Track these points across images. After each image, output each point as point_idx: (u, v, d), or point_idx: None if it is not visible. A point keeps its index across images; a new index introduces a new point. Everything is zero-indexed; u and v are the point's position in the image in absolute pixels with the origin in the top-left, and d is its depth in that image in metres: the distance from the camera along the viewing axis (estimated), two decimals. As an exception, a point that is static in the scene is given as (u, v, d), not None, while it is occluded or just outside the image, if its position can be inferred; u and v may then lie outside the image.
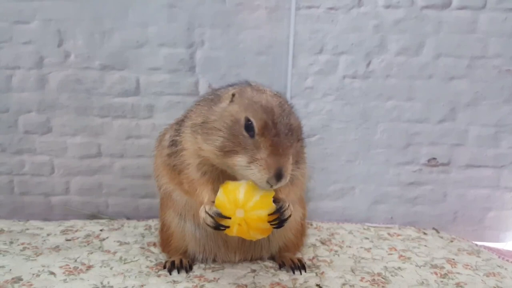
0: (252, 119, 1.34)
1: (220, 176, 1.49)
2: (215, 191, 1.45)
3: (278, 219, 1.41)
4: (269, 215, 1.39)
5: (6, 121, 2.43)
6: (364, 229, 2.39)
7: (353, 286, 1.62)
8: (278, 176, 1.28)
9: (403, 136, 2.50)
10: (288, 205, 1.44)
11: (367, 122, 2.49)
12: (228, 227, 1.41)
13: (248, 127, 1.34)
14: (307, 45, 2.40)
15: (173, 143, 1.61)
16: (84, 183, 2.53)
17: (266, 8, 2.35)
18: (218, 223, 1.41)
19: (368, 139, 2.51)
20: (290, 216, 1.45)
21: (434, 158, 2.53)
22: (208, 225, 1.43)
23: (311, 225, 2.39)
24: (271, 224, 1.41)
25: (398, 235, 2.30)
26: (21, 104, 2.41)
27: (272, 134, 1.32)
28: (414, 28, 2.38)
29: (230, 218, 1.39)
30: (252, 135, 1.34)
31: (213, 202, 1.42)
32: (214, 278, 1.65)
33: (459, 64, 2.41)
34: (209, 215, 1.42)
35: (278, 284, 1.63)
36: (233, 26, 2.37)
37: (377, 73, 2.43)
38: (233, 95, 1.47)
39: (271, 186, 1.32)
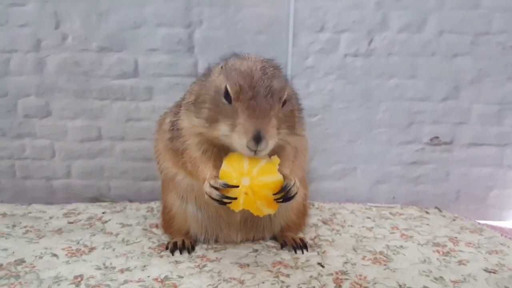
0: (229, 85, 1.34)
1: (222, 153, 1.48)
2: (217, 168, 1.43)
3: (285, 196, 1.40)
4: (274, 194, 1.38)
5: (5, 105, 2.41)
6: (366, 208, 2.38)
7: (355, 264, 1.62)
8: (257, 138, 1.26)
9: (406, 115, 2.48)
10: (294, 182, 1.42)
11: (369, 101, 2.46)
12: (235, 198, 1.38)
13: (227, 94, 1.35)
14: (308, 23, 2.35)
15: (173, 127, 1.61)
16: (85, 166, 2.52)
17: (265, -15, 2.31)
18: (224, 195, 1.38)
19: (370, 118, 2.49)
20: (297, 193, 1.43)
21: (437, 137, 2.51)
22: (214, 199, 1.40)
23: (313, 205, 2.39)
24: (277, 201, 1.40)
25: (400, 214, 2.29)
26: (19, 88, 2.39)
27: (248, 98, 1.31)
28: (416, 4, 2.33)
29: (236, 187, 1.36)
30: (230, 102, 1.35)
31: (217, 176, 1.41)
32: (216, 258, 1.66)
33: (463, 41, 2.37)
34: (214, 188, 1.39)
35: (280, 263, 1.63)
36: (232, 4, 2.32)
37: (379, 51, 2.39)
38: (221, 67, 1.47)
39: (255, 152, 1.29)
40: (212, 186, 1.40)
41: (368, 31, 2.37)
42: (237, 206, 1.40)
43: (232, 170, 1.37)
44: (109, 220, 2.08)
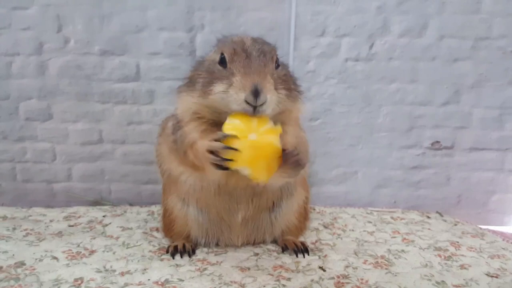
0: (223, 52, 1.42)
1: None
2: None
3: (295, 160, 1.38)
4: (285, 152, 1.35)
5: (7, 108, 2.42)
6: (367, 213, 2.38)
7: (356, 268, 1.62)
8: (255, 92, 1.28)
9: (406, 119, 2.48)
10: (297, 152, 1.39)
11: (370, 106, 2.47)
12: (236, 150, 1.30)
13: (221, 60, 1.42)
14: (309, 27, 2.36)
15: (176, 127, 1.60)
16: (86, 169, 2.52)
17: (267, -10, 2.32)
18: (227, 146, 1.30)
19: (371, 122, 2.49)
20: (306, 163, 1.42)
21: (438, 141, 2.51)
22: (216, 150, 1.32)
23: (314, 209, 2.39)
24: (286, 164, 1.37)
25: (402, 218, 2.29)
26: (21, 91, 2.40)
27: (243, 58, 1.38)
28: (417, 9, 2.34)
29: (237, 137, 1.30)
30: (225, 66, 1.41)
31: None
32: (217, 262, 1.65)
33: (463, 46, 2.38)
34: (215, 140, 1.33)
35: (281, 267, 1.62)
36: (234, 8, 2.33)
37: (380, 55, 2.40)
38: (214, 51, 1.54)
39: (254, 109, 1.30)
40: (213, 139, 1.34)
41: (369, 36, 2.38)
42: (238, 163, 1.32)
43: (241, 122, 1.33)
44: (110, 223, 2.08)
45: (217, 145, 1.32)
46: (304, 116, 1.65)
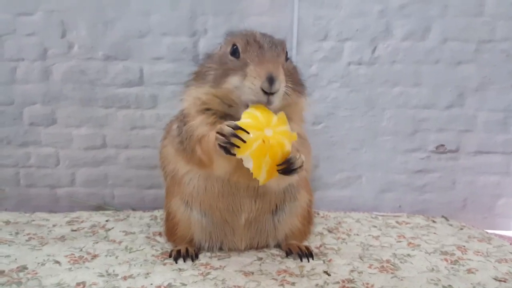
0: (236, 43, 1.46)
1: None
2: None
3: (287, 168, 1.39)
4: (278, 165, 1.36)
5: (11, 113, 2.43)
6: (372, 217, 2.36)
7: (362, 272, 1.60)
8: (270, 79, 1.31)
9: (410, 123, 2.47)
10: (299, 157, 1.40)
11: (373, 109, 2.46)
12: (245, 141, 1.31)
13: (234, 51, 1.46)
14: (311, 31, 2.37)
15: (180, 125, 1.61)
16: (89, 174, 2.52)
17: (269, -6, 2.33)
18: (235, 134, 1.31)
19: (374, 126, 2.48)
20: (300, 167, 1.41)
21: (442, 145, 2.49)
22: (224, 134, 1.32)
23: (318, 214, 2.37)
24: (278, 171, 1.38)
25: (407, 223, 2.27)
26: (25, 96, 2.41)
27: (256, 48, 1.41)
28: (419, 12, 2.34)
29: (247, 132, 1.31)
30: (238, 57, 1.44)
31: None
32: (220, 266, 1.64)
33: (466, 48, 2.37)
34: (227, 125, 1.33)
35: (285, 271, 1.61)
36: (236, 13, 2.34)
37: (383, 59, 2.40)
38: (221, 47, 1.58)
39: (268, 97, 1.33)
40: (226, 124, 1.34)
41: (371, 39, 2.38)
42: (245, 150, 1.32)
43: (261, 115, 1.35)
44: (112, 228, 2.07)
45: (228, 131, 1.33)
46: (307, 113, 1.66)
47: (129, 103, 2.44)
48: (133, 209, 2.47)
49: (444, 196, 2.55)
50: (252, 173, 1.35)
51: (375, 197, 2.57)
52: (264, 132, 1.33)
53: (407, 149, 2.50)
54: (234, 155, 1.34)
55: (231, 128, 1.32)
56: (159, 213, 2.29)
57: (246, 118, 1.34)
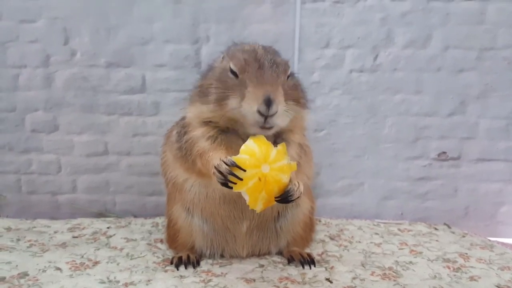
0: (235, 62, 1.43)
1: (231, 140, 1.49)
2: (230, 153, 1.40)
3: (285, 198, 1.39)
4: (276, 197, 1.37)
5: (13, 120, 2.44)
6: (374, 225, 2.35)
7: (364, 280, 1.59)
8: (268, 102, 1.30)
9: (412, 130, 2.47)
10: (298, 187, 1.41)
11: (375, 117, 2.46)
12: (241, 179, 1.32)
13: (233, 70, 1.43)
14: (313, 39, 2.38)
15: (181, 133, 1.62)
16: (91, 181, 2.52)
17: (271, 2, 2.34)
18: (232, 172, 1.31)
19: (376, 133, 2.48)
20: (298, 197, 1.41)
21: (444, 152, 2.49)
22: (221, 173, 1.34)
23: (320, 221, 2.36)
24: (276, 200, 1.38)
25: (409, 230, 2.26)
26: (28, 102, 2.42)
27: (255, 68, 1.38)
28: (421, 20, 2.35)
29: (244, 170, 1.31)
30: (236, 76, 1.41)
31: (230, 156, 1.35)
32: (222, 273, 1.63)
33: (468, 56, 2.38)
34: (224, 162, 1.33)
35: (287, 278, 1.60)
36: (238, 21, 2.35)
37: (385, 66, 2.40)
38: (223, 57, 1.56)
39: (265, 119, 1.32)
40: (222, 160, 1.34)
41: (373, 47, 2.39)
42: (241, 187, 1.33)
43: (259, 151, 1.34)
44: (114, 234, 2.07)
45: (224, 168, 1.33)
46: (309, 124, 1.66)
47: (131, 110, 2.44)
48: (135, 216, 2.46)
49: (446, 204, 2.54)
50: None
51: (377, 205, 2.56)
52: (261, 169, 1.33)
53: (409, 157, 2.50)
54: (231, 188, 1.34)
55: (227, 167, 1.32)
56: (161, 220, 2.28)
57: (244, 154, 1.34)
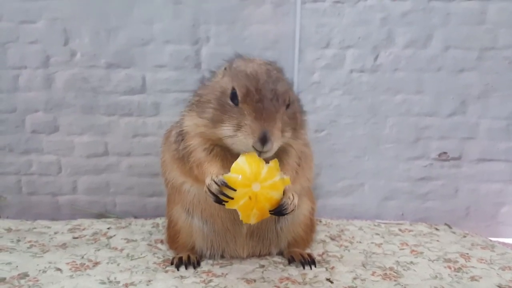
0: (236, 88, 1.38)
1: (227, 153, 1.48)
2: (224, 167, 1.42)
3: (279, 212, 1.40)
4: (270, 211, 1.38)
5: (14, 121, 2.44)
6: (375, 225, 2.35)
7: (365, 280, 1.58)
8: (263, 139, 1.29)
9: (413, 131, 2.46)
10: (292, 201, 1.41)
11: (375, 117, 2.46)
12: (232, 198, 1.34)
13: (233, 96, 1.39)
14: (314, 39, 2.38)
15: (179, 137, 1.61)
16: (91, 182, 2.52)
17: (272, 2, 2.34)
18: (222, 191, 1.34)
19: (376, 134, 2.47)
20: (293, 210, 1.42)
21: (445, 153, 2.48)
22: (212, 192, 1.36)
23: (320, 221, 2.36)
24: (270, 213, 1.39)
25: (410, 230, 2.25)
26: (28, 103, 2.42)
27: (255, 100, 1.35)
28: (421, 20, 2.35)
29: (234, 190, 1.33)
30: (236, 103, 1.38)
31: (222, 174, 1.37)
32: (222, 274, 1.63)
33: (469, 56, 2.37)
34: (215, 182, 1.35)
35: (287, 279, 1.60)
36: (239, 21, 2.35)
37: (385, 66, 2.40)
38: (225, 68, 1.53)
39: (259, 153, 1.33)
40: (213, 180, 1.36)
41: (373, 47, 2.39)
42: (233, 205, 1.35)
43: (249, 170, 1.34)
44: (114, 235, 2.06)
45: (215, 189, 1.35)
46: (309, 125, 1.66)
47: (131, 110, 2.44)
48: (135, 217, 2.46)
49: (446, 204, 2.54)
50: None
51: (378, 205, 2.56)
52: (251, 188, 1.33)
53: (409, 157, 2.49)
54: (224, 205, 1.36)
55: (217, 187, 1.34)
56: (161, 221, 2.28)
57: (235, 172, 1.34)
